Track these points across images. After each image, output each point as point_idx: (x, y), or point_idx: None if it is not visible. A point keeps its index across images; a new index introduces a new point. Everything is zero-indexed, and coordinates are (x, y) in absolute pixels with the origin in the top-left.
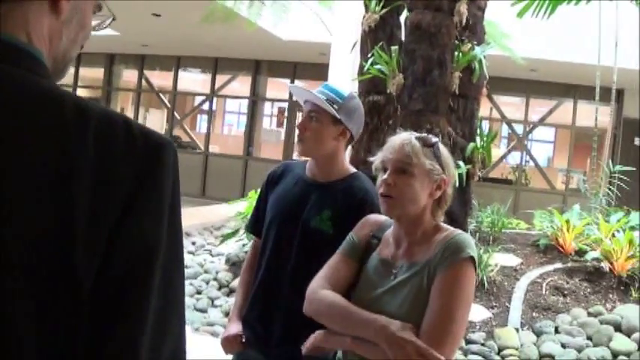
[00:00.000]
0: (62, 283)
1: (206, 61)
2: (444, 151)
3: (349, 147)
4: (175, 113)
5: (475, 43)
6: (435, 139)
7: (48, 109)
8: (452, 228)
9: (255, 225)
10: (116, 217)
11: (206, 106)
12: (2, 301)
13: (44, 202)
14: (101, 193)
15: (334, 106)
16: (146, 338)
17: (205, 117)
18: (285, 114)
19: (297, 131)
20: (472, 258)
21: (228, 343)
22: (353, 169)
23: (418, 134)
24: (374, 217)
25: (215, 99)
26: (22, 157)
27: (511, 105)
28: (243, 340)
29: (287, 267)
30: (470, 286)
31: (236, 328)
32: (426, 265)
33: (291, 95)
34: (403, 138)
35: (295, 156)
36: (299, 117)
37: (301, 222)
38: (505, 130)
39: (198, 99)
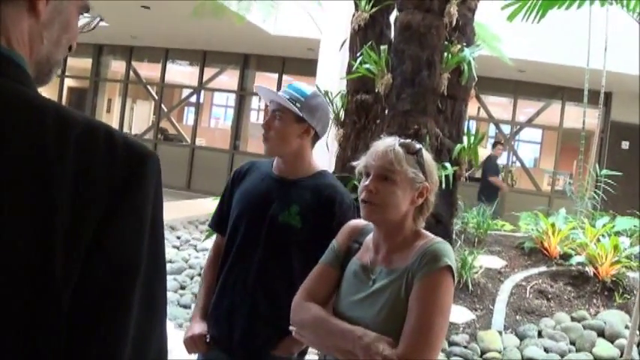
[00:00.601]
0: (40, 294)
1: (194, 53)
2: (427, 157)
3: (337, 146)
4: (162, 105)
5: (465, 44)
6: (418, 146)
7: (29, 119)
8: (432, 235)
9: (219, 223)
10: (96, 227)
11: (193, 99)
12: None
13: (22, 213)
14: (81, 203)
15: (296, 104)
16: (127, 350)
17: (192, 109)
18: None
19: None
20: (449, 267)
21: (192, 343)
22: (320, 167)
23: (402, 140)
24: (355, 222)
25: (203, 92)
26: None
27: (499, 105)
28: (208, 340)
29: (254, 261)
30: (447, 295)
31: (200, 327)
32: (404, 273)
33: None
34: (387, 144)
35: None
36: None
37: (269, 217)
38: (492, 130)
39: (186, 91)
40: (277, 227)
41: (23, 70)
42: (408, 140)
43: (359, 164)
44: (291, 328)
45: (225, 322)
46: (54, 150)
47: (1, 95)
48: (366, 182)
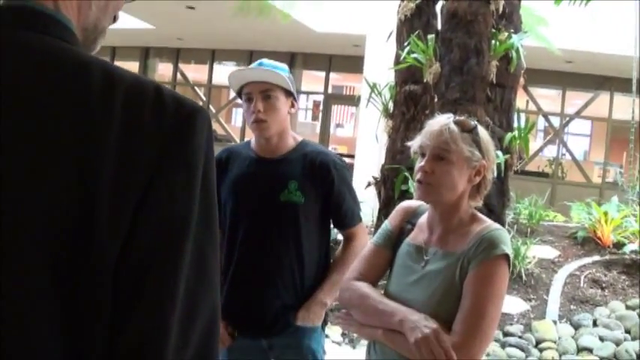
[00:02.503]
0: (84, 250)
1: (241, 54)
2: (483, 134)
3: (386, 138)
4: (211, 106)
5: (512, 31)
6: (473, 123)
7: (74, 75)
8: (489, 221)
9: None
10: (144, 186)
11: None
12: (19, 276)
13: (66, 171)
14: (127, 161)
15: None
16: (176, 311)
17: (241, 110)
18: (321, 107)
19: (252, 116)
20: (506, 255)
21: None
22: (299, 138)
23: (457, 118)
24: (408, 202)
25: None
26: (44, 125)
27: (547, 97)
28: (230, 332)
29: (266, 246)
30: (502, 284)
31: None
32: (460, 258)
33: (326, 88)
34: (441, 123)
35: (331, 149)
36: (335, 110)
37: (269, 199)
38: (541, 123)
39: (234, 92)
40: (281, 207)
41: (70, 31)
42: (463, 118)
43: (414, 144)
44: (342, 311)
45: (248, 310)
46: (100, 106)
47: (47, 52)
48: (422, 163)
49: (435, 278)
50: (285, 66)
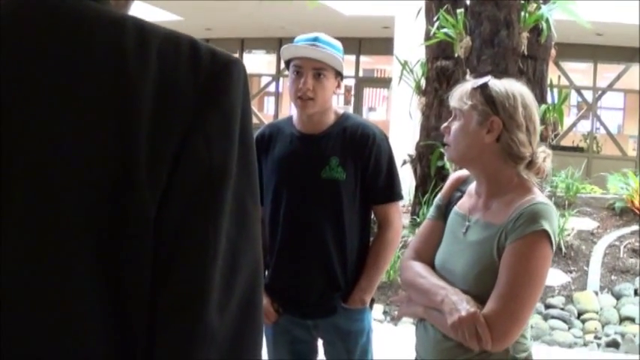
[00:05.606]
0: (123, 209)
1: (270, 41)
2: (499, 90)
3: (420, 115)
4: None
5: (541, 2)
6: (484, 80)
7: (106, 31)
8: (537, 193)
9: None
10: (181, 137)
11: (272, 88)
12: (59, 229)
13: (103, 125)
14: (164, 113)
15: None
16: (218, 268)
17: (272, 98)
18: (352, 91)
19: (299, 91)
20: (545, 231)
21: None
22: (340, 111)
23: (475, 78)
24: (458, 172)
25: (281, 79)
26: (79, 81)
27: (579, 71)
28: (275, 309)
29: (309, 224)
30: (540, 262)
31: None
32: (499, 231)
33: (357, 72)
34: (462, 84)
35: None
36: (367, 93)
37: (311, 177)
38: (574, 98)
39: (265, 80)
40: (322, 184)
41: None
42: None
43: None
44: (397, 296)
45: (294, 288)
46: (135, 61)
47: (80, 11)
48: (445, 124)
49: (474, 250)
50: (339, 45)
